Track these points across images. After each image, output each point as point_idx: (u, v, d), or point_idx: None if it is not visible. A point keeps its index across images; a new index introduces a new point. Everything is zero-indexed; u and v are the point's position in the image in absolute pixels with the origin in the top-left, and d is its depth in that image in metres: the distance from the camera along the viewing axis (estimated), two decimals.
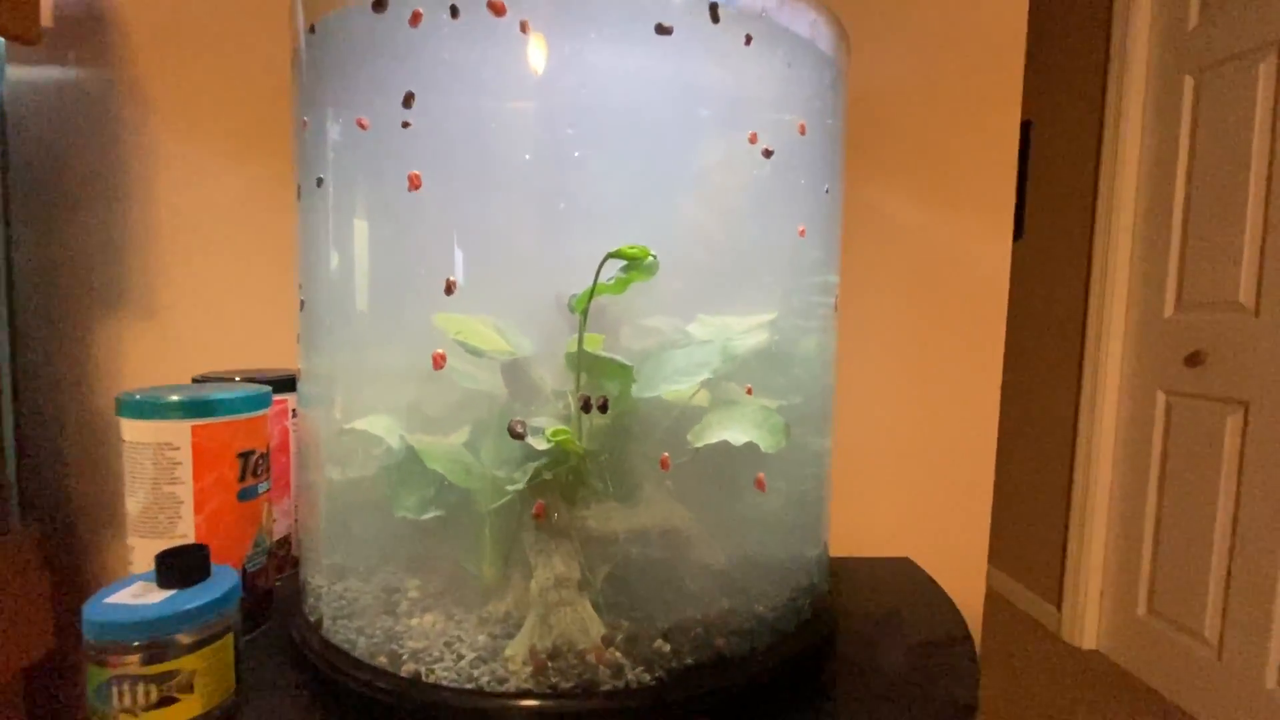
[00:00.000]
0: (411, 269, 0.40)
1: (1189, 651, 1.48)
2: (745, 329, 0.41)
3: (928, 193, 0.69)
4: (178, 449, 0.43)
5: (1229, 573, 1.39)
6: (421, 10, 0.34)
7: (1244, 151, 1.36)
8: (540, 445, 0.35)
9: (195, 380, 0.56)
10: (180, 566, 0.37)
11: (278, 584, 0.56)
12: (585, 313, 0.36)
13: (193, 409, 0.43)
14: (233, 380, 0.54)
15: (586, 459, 0.37)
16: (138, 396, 0.43)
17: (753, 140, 0.36)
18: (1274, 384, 1.32)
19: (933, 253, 0.70)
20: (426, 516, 0.39)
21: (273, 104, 0.65)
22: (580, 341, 0.37)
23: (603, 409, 0.36)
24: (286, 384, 0.57)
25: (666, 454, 0.37)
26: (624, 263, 0.36)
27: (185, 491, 0.44)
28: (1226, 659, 1.39)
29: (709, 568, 0.39)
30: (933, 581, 0.63)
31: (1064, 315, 1.80)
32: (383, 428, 0.42)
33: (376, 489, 0.43)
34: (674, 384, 0.38)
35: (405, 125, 0.34)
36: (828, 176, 0.41)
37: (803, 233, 0.40)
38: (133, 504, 0.44)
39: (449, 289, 0.37)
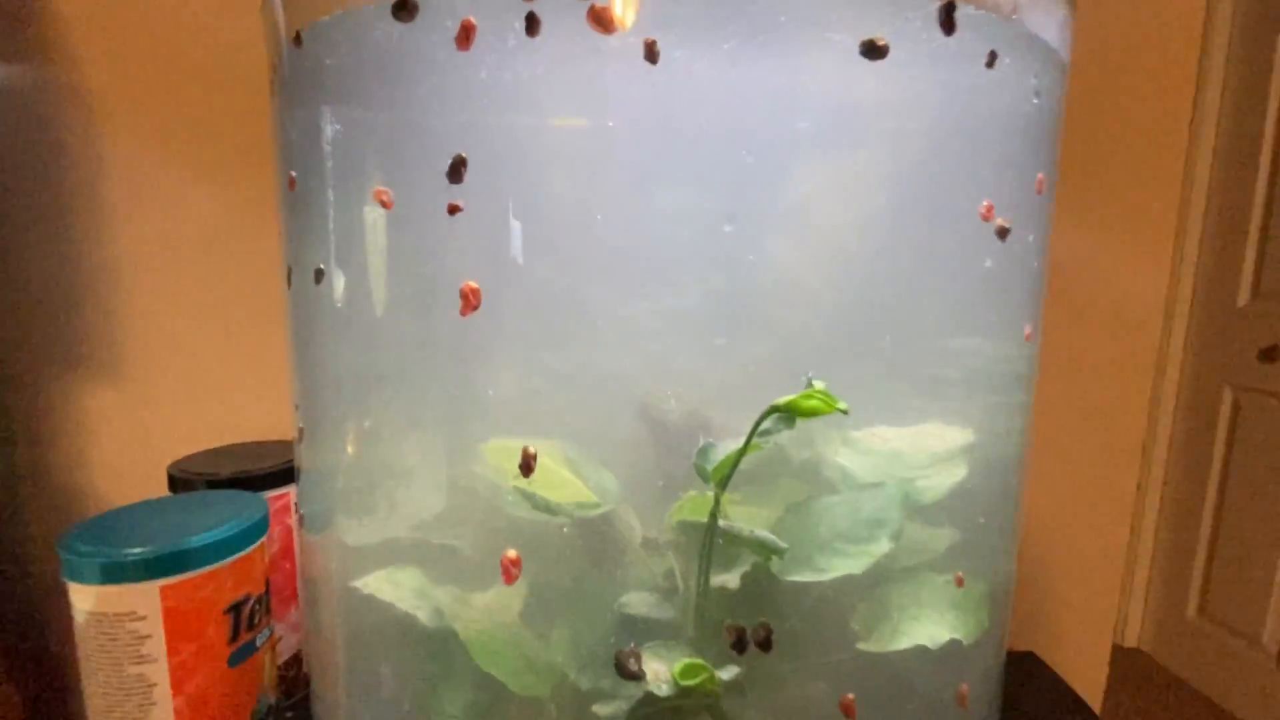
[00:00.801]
0: (445, 393, 0.28)
1: (1242, 656, 1.41)
2: (929, 459, 0.29)
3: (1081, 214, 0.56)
4: (144, 618, 0.32)
5: None
6: (475, 21, 0.21)
7: None
8: (663, 690, 0.24)
9: (171, 473, 0.44)
10: None
11: (289, 717, 0.46)
12: (724, 483, 0.25)
13: (161, 565, 0.32)
14: (217, 478, 0.43)
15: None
16: (84, 551, 0.32)
17: (986, 216, 0.23)
18: None
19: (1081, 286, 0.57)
20: None
21: (262, 107, 0.52)
22: (714, 518, 0.25)
23: (765, 645, 0.25)
24: (287, 474, 0.46)
25: (851, 695, 0.26)
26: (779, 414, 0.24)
27: (158, 671, 0.33)
28: None
29: None
30: (1061, 681, 0.53)
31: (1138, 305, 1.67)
32: (410, 590, 0.31)
33: (402, 664, 0.32)
34: (839, 559, 0.27)
35: (454, 211, 0.22)
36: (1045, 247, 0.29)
37: (1029, 337, 0.28)
38: (91, 688, 0.33)
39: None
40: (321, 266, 0.26)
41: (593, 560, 0.29)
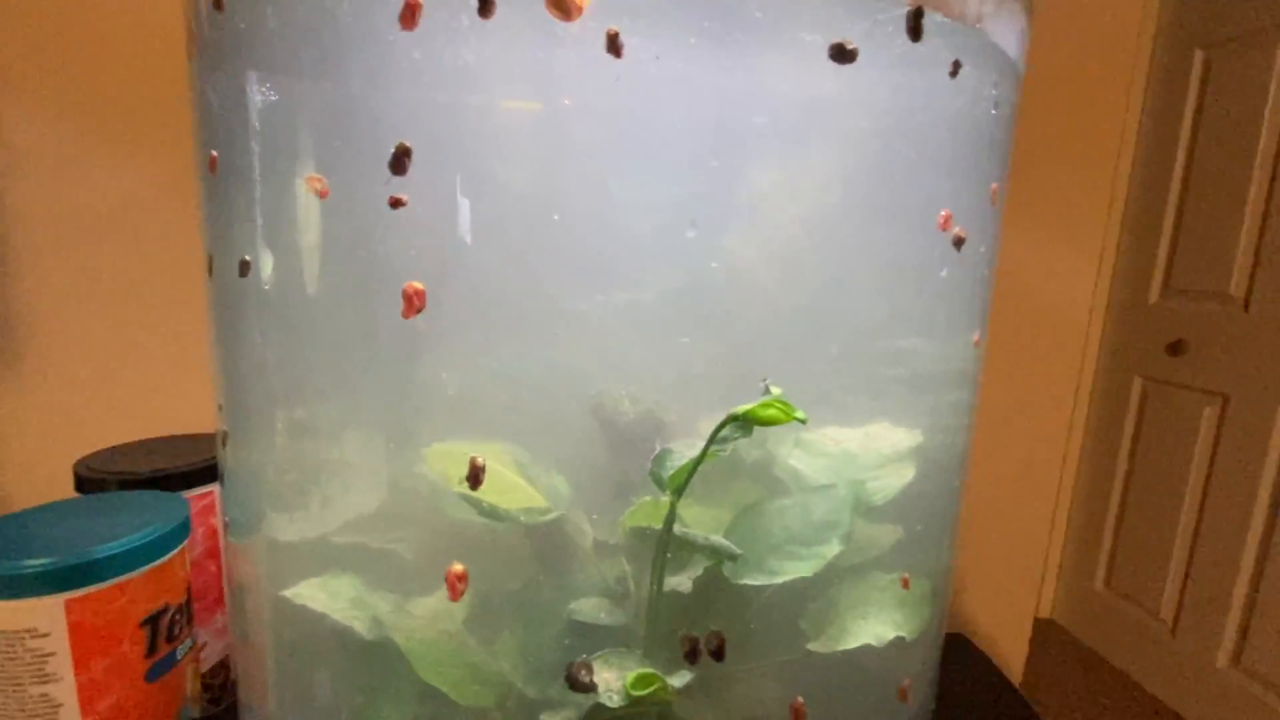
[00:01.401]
0: (385, 393, 0.26)
1: (1143, 625, 1.54)
2: (878, 460, 0.30)
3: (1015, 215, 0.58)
4: (46, 635, 0.29)
5: (1190, 556, 1.43)
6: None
7: (1251, 136, 1.31)
8: (614, 701, 0.23)
9: (78, 471, 0.41)
10: None
11: None
12: (680, 492, 0.24)
13: (65, 577, 0.29)
14: (131, 477, 0.40)
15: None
16: None
17: (944, 225, 0.23)
18: (1256, 379, 1.32)
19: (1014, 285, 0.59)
20: None
21: (178, 70, 0.47)
22: (669, 526, 0.25)
23: (718, 655, 0.24)
24: (211, 472, 0.43)
25: (800, 699, 0.26)
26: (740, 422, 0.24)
27: (64, 690, 0.30)
28: (1180, 636, 1.44)
29: None
30: (989, 660, 0.56)
31: (1066, 302, 1.77)
32: (346, 600, 0.29)
33: (339, 675, 0.31)
34: (791, 562, 0.27)
35: (396, 204, 0.20)
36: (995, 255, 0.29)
37: (977, 342, 0.28)
38: None
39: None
40: (247, 258, 0.24)
41: (542, 566, 0.28)
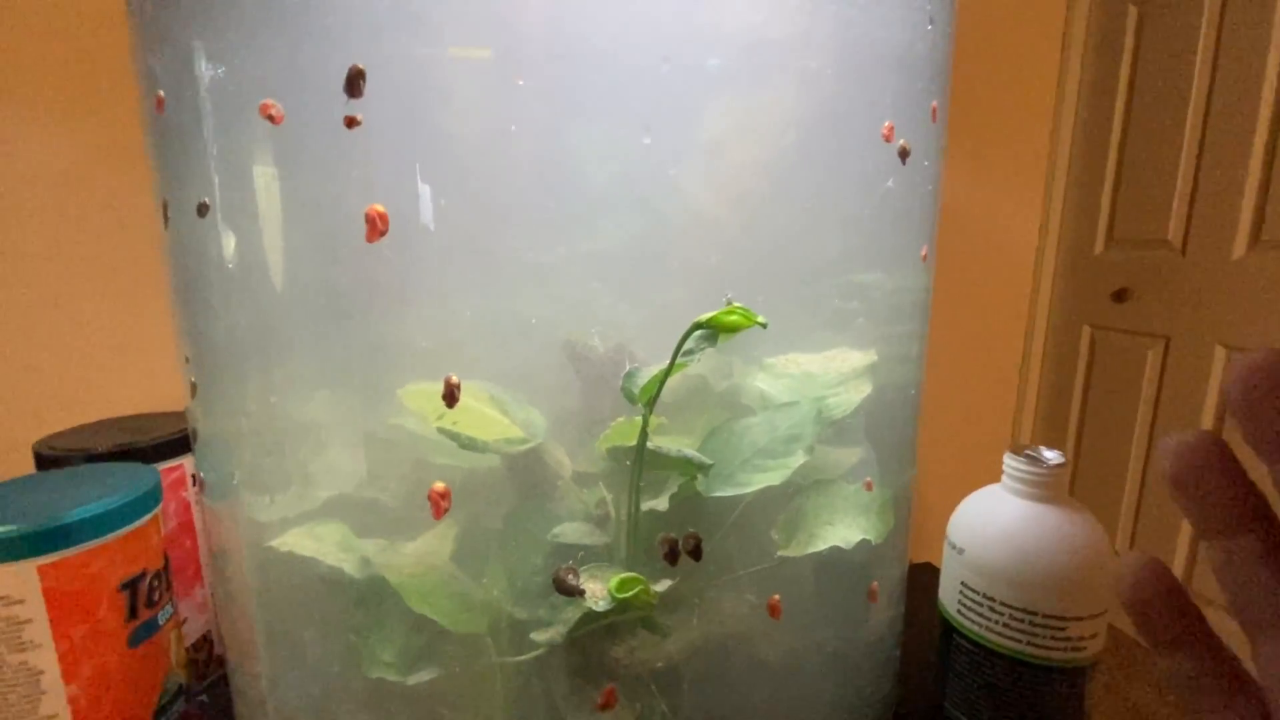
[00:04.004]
0: (352, 315, 0.27)
1: None
2: (838, 379, 0.31)
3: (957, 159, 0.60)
4: (21, 601, 0.29)
5: (1140, 494, 1.51)
6: None
7: (1183, 90, 1.36)
8: (600, 605, 0.24)
9: (38, 450, 0.40)
10: None
11: (202, 699, 0.43)
12: (651, 404, 0.25)
13: (37, 541, 0.29)
14: (96, 454, 0.39)
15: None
16: None
17: (887, 137, 0.25)
18: (1193, 320, 1.39)
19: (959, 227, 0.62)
20: (415, 681, 0.28)
21: (112, 35, 0.46)
22: (643, 438, 0.26)
23: (695, 554, 0.26)
24: (179, 444, 0.42)
25: (777, 596, 0.27)
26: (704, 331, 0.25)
27: (44, 658, 0.30)
28: None
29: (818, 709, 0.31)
30: None
31: (1016, 245, 1.83)
32: (333, 543, 0.30)
33: (329, 620, 0.31)
34: (759, 474, 0.28)
35: (351, 123, 0.20)
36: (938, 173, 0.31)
37: (925, 256, 0.30)
38: None
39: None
40: (205, 200, 0.24)
41: (524, 496, 0.29)
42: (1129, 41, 1.47)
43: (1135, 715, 0.56)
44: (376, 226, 0.21)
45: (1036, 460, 0.29)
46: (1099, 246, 1.58)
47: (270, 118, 0.20)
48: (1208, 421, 1.38)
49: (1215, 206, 1.35)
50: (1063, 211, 1.67)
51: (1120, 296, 1.51)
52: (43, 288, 0.48)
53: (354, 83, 0.20)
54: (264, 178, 0.22)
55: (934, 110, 0.27)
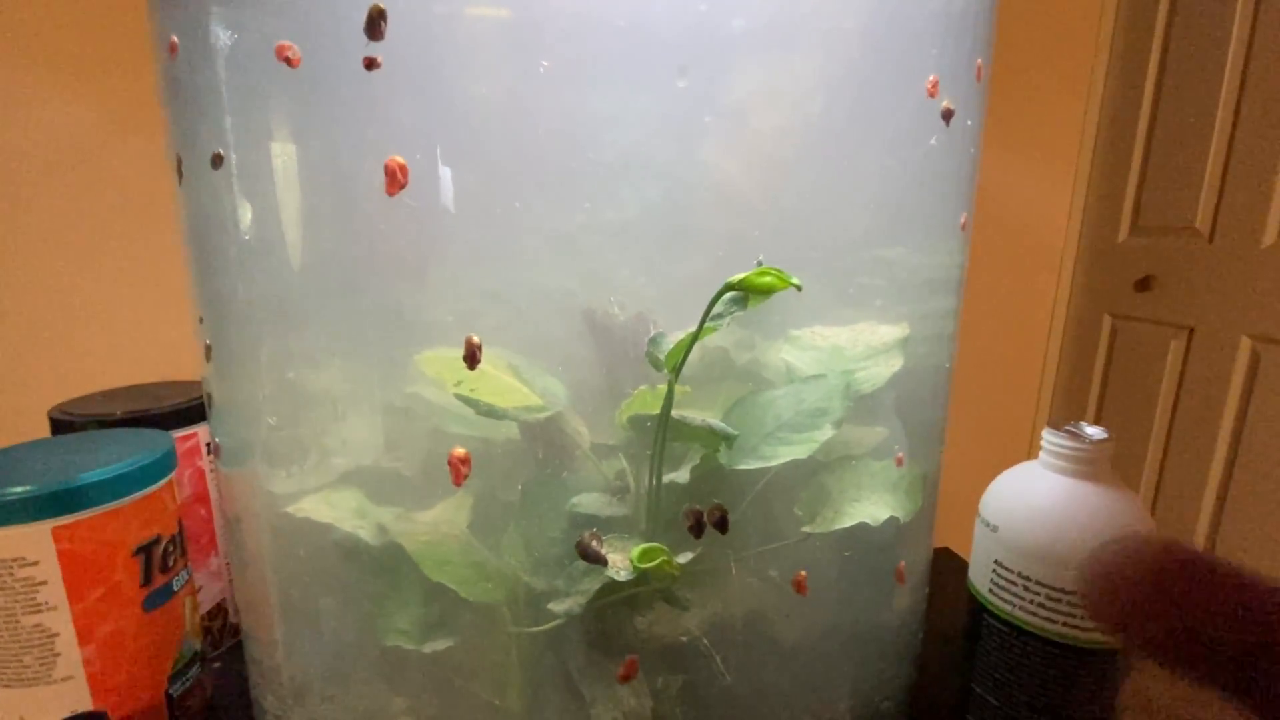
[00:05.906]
0: (369, 280, 0.26)
1: None
2: (867, 352, 0.30)
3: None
4: (35, 563, 0.29)
5: (1159, 483, 1.49)
6: None
7: (1215, 74, 1.32)
8: (622, 575, 0.24)
9: (54, 416, 0.40)
10: None
11: (216, 666, 0.44)
12: (677, 370, 0.24)
13: (51, 503, 0.29)
14: (111, 420, 0.39)
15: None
16: None
17: (932, 93, 0.23)
18: (1219, 309, 1.36)
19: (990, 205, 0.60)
20: (430, 649, 0.28)
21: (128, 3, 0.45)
22: (667, 406, 0.25)
23: (721, 526, 0.25)
24: (194, 412, 0.42)
25: (804, 572, 0.26)
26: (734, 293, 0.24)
27: (59, 620, 0.30)
28: None
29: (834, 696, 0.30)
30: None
31: (1044, 228, 1.80)
32: (349, 510, 0.29)
33: (345, 588, 0.31)
34: (785, 447, 0.27)
35: (371, 65, 0.19)
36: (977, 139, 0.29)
37: (964, 225, 0.28)
38: None
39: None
40: (219, 150, 0.23)
41: (542, 466, 0.28)
42: (1160, 20, 1.43)
43: (1141, 698, 0.55)
44: (397, 179, 0.20)
45: (1077, 435, 0.28)
46: (1123, 234, 1.54)
47: (287, 60, 0.20)
48: (1229, 416, 1.36)
49: (1246, 192, 1.31)
50: (1086, 197, 1.63)
51: (1143, 285, 1.48)
52: (60, 256, 0.48)
53: (375, 24, 0.19)
54: (280, 126, 0.21)
55: (979, 69, 0.25)
